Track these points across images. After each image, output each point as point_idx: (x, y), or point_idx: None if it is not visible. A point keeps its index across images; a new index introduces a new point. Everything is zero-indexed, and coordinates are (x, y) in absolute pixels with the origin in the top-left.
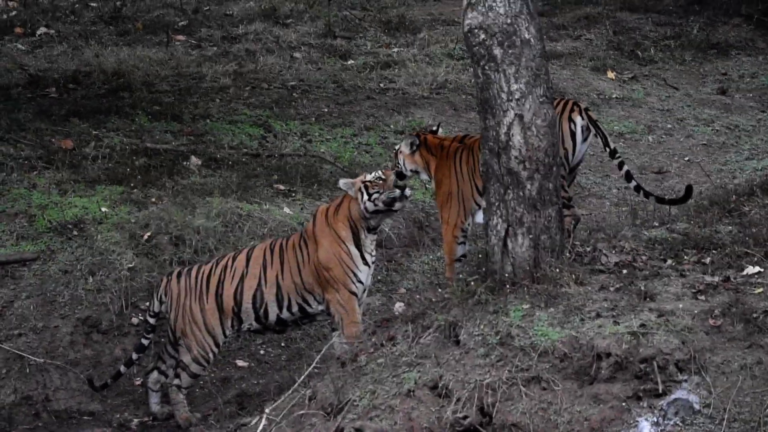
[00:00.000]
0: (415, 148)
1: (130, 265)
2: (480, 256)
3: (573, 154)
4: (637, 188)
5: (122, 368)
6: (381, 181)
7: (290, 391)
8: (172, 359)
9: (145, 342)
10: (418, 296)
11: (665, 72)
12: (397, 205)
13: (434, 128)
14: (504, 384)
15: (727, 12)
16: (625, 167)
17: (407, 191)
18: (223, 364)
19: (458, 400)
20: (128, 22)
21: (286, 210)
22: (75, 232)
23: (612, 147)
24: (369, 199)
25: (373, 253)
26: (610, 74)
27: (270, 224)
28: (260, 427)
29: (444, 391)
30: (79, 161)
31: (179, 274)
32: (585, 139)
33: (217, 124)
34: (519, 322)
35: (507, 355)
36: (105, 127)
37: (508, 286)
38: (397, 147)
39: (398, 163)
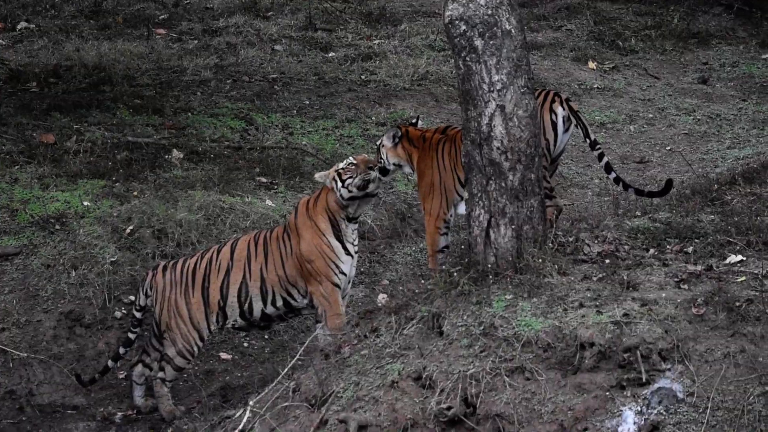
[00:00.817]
0: (397, 140)
1: (113, 259)
2: (463, 247)
3: (554, 145)
4: (617, 180)
5: (110, 363)
6: (353, 167)
7: (274, 384)
8: (156, 352)
9: (131, 336)
10: (401, 287)
11: (646, 62)
12: (371, 187)
13: (414, 121)
14: (487, 374)
15: (707, 1)
16: (605, 159)
17: (378, 174)
18: (207, 356)
19: (442, 390)
20: (109, 16)
21: (269, 203)
22: (57, 227)
23: (593, 138)
24: (343, 186)
25: (355, 242)
26: (591, 64)
27: (252, 217)
28: (244, 420)
29: (428, 382)
30: (60, 155)
31: (164, 268)
32: (566, 130)
33: (199, 117)
34: (502, 313)
35: (490, 346)
36: (86, 121)
37: (491, 276)
38: (378, 141)
39: (381, 158)
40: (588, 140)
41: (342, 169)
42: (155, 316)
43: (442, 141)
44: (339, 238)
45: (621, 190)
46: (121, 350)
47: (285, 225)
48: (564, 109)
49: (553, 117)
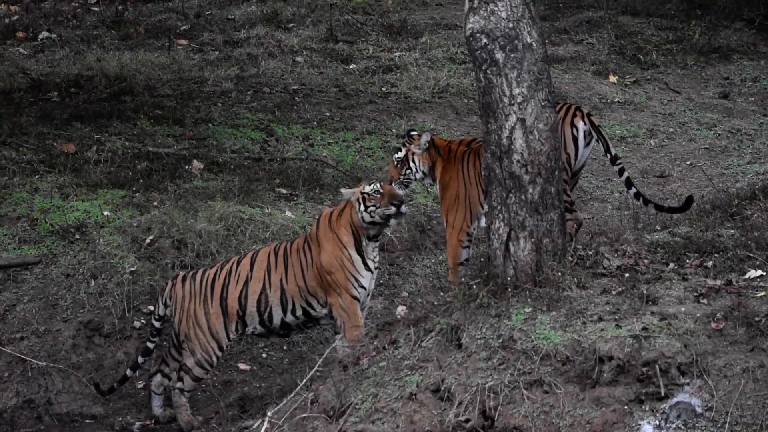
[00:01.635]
0: (427, 146)
1: (132, 269)
2: (482, 259)
3: (575, 159)
4: (637, 195)
5: (128, 372)
6: (378, 195)
7: (292, 395)
8: (175, 362)
9: (150, 346)
10: (420, 300)
11: (667, 76)
12: (392, 222)
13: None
14: (506, 387)
15: (728, 16)
16: (626, 174)
17: (403, 208)
18: (226, 367)
19: (460, 403)
20: (130, 26)
21: (288, 214)
22: (77, 236)
23: (613, 153)
24: (365, 210)
25: (376, 259)
26: (612, 78)
27: (272, 228)
28: (262, 431)
29: (446, 395)
30: (81, 165)
31: (184, 278)
32: (587, 144)
33: (219, 128)
34: (521, 326)
35: (509, 359)
36: (107, 131)
37: (510, 289)
38: (397, 154)
39: (410, 167)
40: (609, 155)
41: (367, 194)
42: (174, 326)
43: (467, 153)
44: (360, 252)
45: (641, 204)
46: (140, 360)
47: (306, 236)
48: (585, 124)
49: (575, 131)
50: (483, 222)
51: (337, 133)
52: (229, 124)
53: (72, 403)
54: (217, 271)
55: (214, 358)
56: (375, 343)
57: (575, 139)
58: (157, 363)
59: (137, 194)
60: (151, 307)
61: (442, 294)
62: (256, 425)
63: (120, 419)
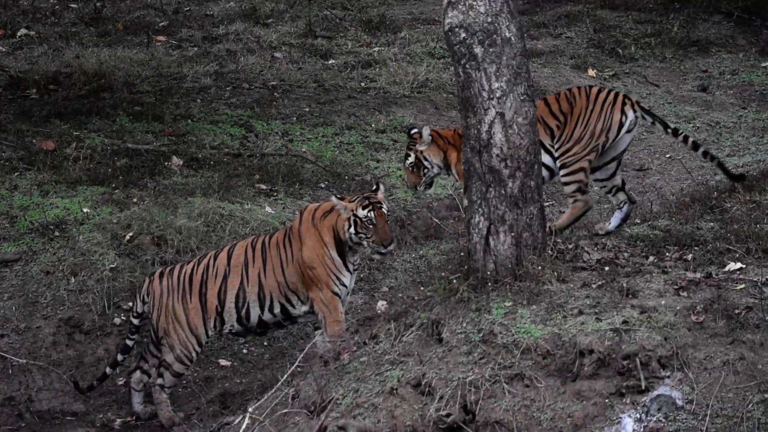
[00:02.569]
0: (430, 139)
1: (112, 266)
2: (462, 254)
3: (611, 143)
4: (705, 154)
5: (108, 370)
6: (371, 227)
7: (273, 390)
8: (154, 359)
9: (129, 343)
10: (400, 294)
11: (646, 69)
12: (376, 257)
13: (413, 131)
14: (487, 381)
15: (707, 9)
16: (691, 138)
17: (391, 247)
18: (206, 363)
19: (441, 397)
20: (109, 23)
21: (268, 209)
22: (57, 233)
23: (672, 127)
24: (355, 234)
25: (356, 262)
26: (591, 72)
27: (252, 224)
28: (243, 426)
29: (427, 389)
30: (60, 162)
31: (161, 275)
32: (629, 131)
33: (199, 125)
34: (501, 320)
35: (490, 353)
36: (86, 127)
37: (490, 283)
38: (407, 161)
39: (425, 163)
40: (669, 131)
41: (360, 219)
42: (153, 323)
43: None
44: (341, 255)
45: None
46: (119, 357)
47: (287, 230)
48: (635, 112)
49: (623, 118)
50: None
51: (316, 129)
52: (208, 120)
53: (53, 400)
54: (194, 266)
55: (194, 354)
56: (356, 338)
57: (621, 126)
58: (136, 360)
59: (117, 191)
60: (131, 304)
61: (422, 289)
62: (237, 421)
63: (101, 416)
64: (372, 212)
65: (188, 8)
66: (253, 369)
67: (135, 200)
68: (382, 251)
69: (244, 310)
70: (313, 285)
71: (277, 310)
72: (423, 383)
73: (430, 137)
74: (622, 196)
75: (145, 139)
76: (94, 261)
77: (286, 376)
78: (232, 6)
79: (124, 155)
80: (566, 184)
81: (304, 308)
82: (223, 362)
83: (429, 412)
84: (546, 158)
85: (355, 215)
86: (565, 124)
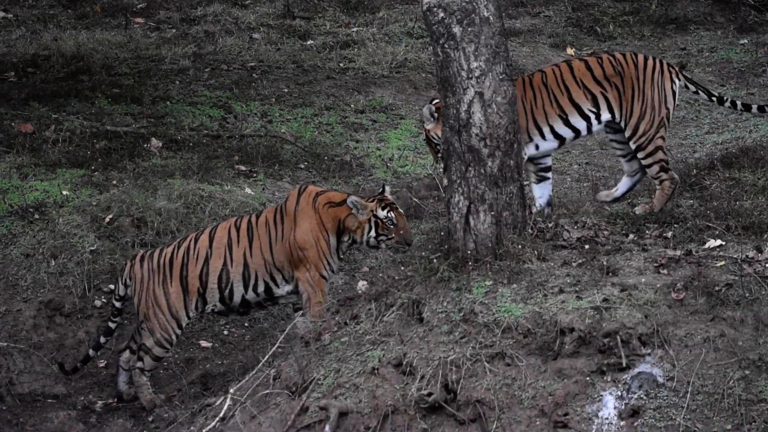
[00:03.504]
0: (434, 115)
1: (92, 248)
2: (442, 233)
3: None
4: (761, 108)
5: (91, 352)
6: (392, 227)
7: (254, 371)
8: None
9: (112, 325)
10: (381, 274)
11: (624, 48)
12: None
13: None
14: (468, 360)
15: None
16: (739, 102)
17: (408, 246)
18: (187, 345)
19: (422, 377)
20: (86, 5)
21: (248, 190)
22: (36, 216)
23: (717, 95)
24: (375, 237)
25: (346, 252)
26: (570, 51)
27: (232, 205)
28: (225, 408)
29: (408, 369)
30: (39, 145)
31: (142, 258)
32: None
33: (178, 106)
34: (482, 299)
35: (470, 332)
36: (65, 110)
37: (470, 263)
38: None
39: (434, 139)
40: (714, 99)
41: (382, 220)
42: (135, 307)
43: None
44: (339, 242)
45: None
46: (102, 339)
47: (277, 209)
48: (680, 80)
49: (674, 87)
50: (530, 149)
51: (295, 110)
52: (187, 101)
53: (34, 383)
54: (174, 249)
55: (174, 337)
56: (336, 318)
57: (674, 95)
58: (127, 340)
59: (96, 173)
60: (112, 287)
61: (402, 268)
62: (218, 402)
63: (82, 398)
64: (392, 212)
65: None
66: (234, 350)
67: (114, 182)
68: (405, 250)
69: (227, 290)
70: (301, 265)
71: (261, 289)
72: (404, 363)
73: (431, 116)
74: (636, 164)
75: (124, 121)
76: (74, 243)
77: (267, 357)
78: None
79: (103, 137)
80: (648, 166)
81: (288, 287)
82: (204, 344)
83: (410, 391)
84: (578, 121)
85: (375, 216)
86: (610, 92)
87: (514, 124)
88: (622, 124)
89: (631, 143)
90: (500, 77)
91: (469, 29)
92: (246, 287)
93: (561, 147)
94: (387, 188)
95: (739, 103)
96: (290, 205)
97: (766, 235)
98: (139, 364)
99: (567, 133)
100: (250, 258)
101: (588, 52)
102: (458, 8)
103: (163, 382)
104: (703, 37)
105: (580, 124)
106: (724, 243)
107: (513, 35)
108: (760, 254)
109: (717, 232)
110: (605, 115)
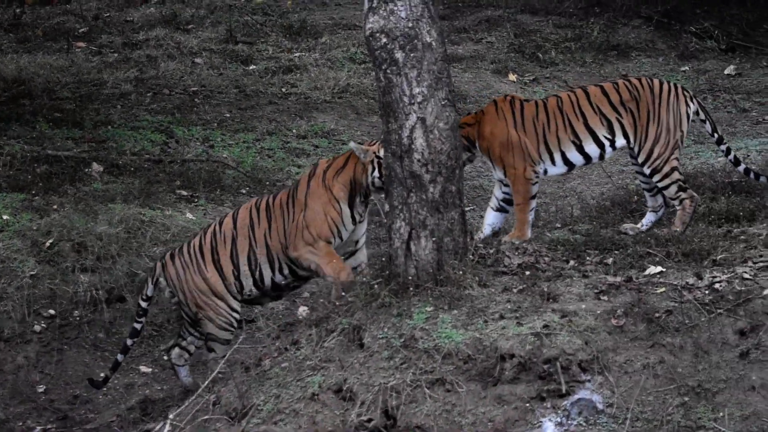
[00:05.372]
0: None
1: (33, 273)
2: (383, 259)
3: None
4: (747, 171)
5: (119, 357)
6: None
7: (194, 397)
8: (192, 337)
9: (137, 326)
10: (321, 300)
11: (566, 74)
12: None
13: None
14: (408, 386)
15: (626, 14)
16: (732, 153)
17: None
18: (127, 370)
19: (362, 403)
20: (28, 29)
21: (189, 215)
22: None
23: (719, 134)
24: (379, 177)
25: (363, 213)
26: (512, 77)
27: (173, 230)
28: None
29: (348, 395)
30: None
31: (172, 256)
32: (688, 122)
33: (119, 131)
34: (423, 325)
35: (411, 358)
36: (6, 134)
37: (411, 288)
38: None
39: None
40: (715, 135)
41: (383, 158)
42: (183, 306)
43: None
44: (351, 205)
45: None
46: (129, 342)
47: (291, 191)
48: (694, 104)
49: (689, 110)
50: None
51: (237, 134)
52: (128, 126)
53: None
54: (201, 237)
55: (231, 318)
56: (276, 344)
57: (688, 118)
58: (173, 338)
59: (37, 198)
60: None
61: (343, 294)
62: (157, 428)
63: (21, 424)
64: None
65: (108, 14)
66: (174, 375)
67: (55, 207)
68: None
69: (258, 274)
70: (299, 242)
71: (286, 271)
72: (344, 389)
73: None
74: (660, 199)
75: (65, 145)
76: (14, 268)
77: (207, 382)
78: (152, 12)
79: (44, 162)
80: (665, 188)
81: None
82: (144, 369)
83: (350, 417)
84: (591, 148)
85: (377, 156)
86: (625, 117)
87: (457, 150)
88: (636, 149)
89: (645, 168)
90: (442, 103)
91: (412, 55)
92: (273, 270)
93: (569, 173)
94: None
95: (732, 154)
96: (302, 189)
97: (705, 262)
98: (212, 354)
99: (578, 160)
100: (270, 241)
101: (531, 78)
102: (401, 34)
103: (102, 407)
104: (644, 64)
105: (594, 151)
106: (664, 270)
107: (455, 61)
108: (699, 281)
109: (657, 259)
110: (620, 141)
